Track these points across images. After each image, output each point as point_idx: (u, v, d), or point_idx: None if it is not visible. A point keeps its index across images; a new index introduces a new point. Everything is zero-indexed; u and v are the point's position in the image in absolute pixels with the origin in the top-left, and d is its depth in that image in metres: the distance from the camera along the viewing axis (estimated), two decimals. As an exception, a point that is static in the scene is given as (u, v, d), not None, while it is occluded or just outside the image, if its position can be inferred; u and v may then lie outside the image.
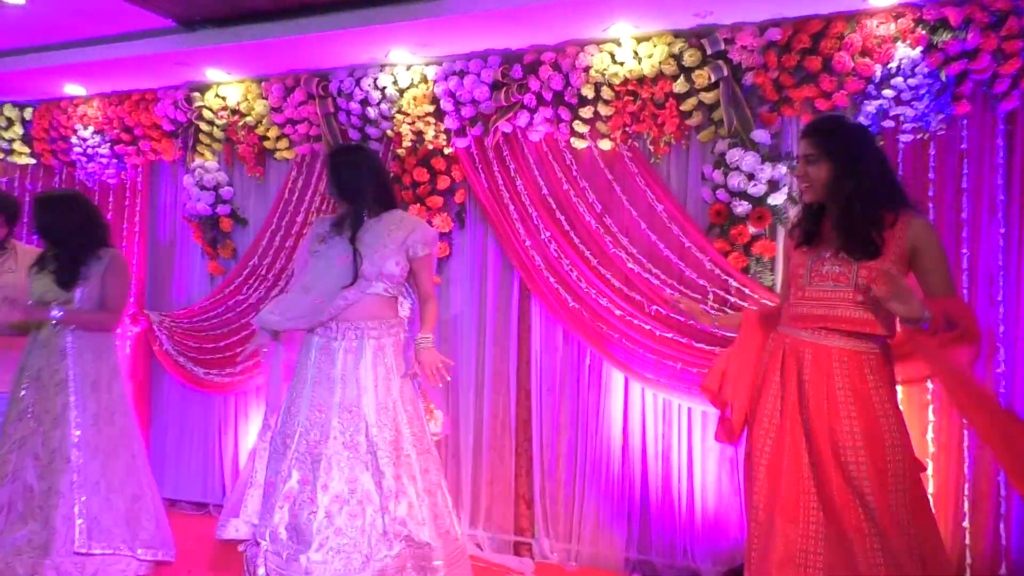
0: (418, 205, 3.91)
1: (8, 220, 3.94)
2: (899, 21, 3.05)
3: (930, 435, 3.13)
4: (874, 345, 2.39)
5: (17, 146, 4.95)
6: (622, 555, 3.55)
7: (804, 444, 2.36)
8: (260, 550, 2.72)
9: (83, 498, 3.24)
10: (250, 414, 4.38)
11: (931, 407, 3.13)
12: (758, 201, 3.30)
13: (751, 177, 3.28)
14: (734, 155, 3.29)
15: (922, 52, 3.03)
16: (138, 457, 3.49)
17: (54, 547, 3.14)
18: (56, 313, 3.31)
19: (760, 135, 3.30)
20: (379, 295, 2.87)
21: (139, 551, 3.35)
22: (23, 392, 3.36)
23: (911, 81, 3.06)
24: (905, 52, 3.05)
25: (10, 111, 4.86)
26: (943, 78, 3.04)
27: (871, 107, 3.14)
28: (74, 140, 4.72)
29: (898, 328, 2.41)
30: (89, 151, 4.70)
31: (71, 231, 3.40)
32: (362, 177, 2.91)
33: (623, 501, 3.58)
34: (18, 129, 4.88)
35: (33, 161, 5.00)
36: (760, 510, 2.42)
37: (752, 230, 3.32)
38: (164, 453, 4.56)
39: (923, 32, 3.02)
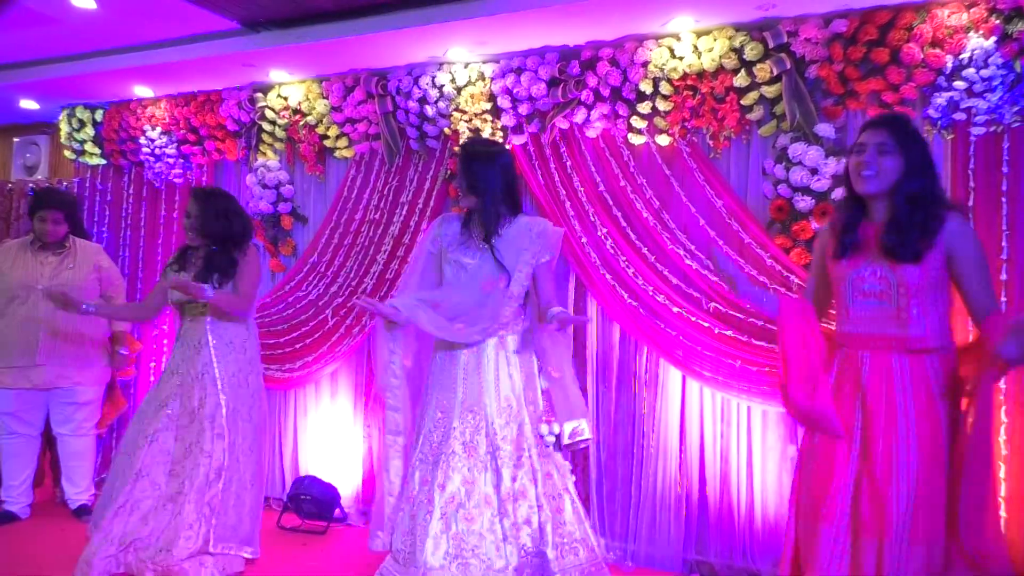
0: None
1: (68, 217, 4.09)
2: (971, 10, 2.96)
3: (1002, 436, 3.02)
4: (933, 355, 2.37)
5: (89, 147, 5.13)
6: (680, 555, 3.50)
7: (857, 451, 2.38)
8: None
9: (214, 495, 3.25)
10: (308, 409, 4.46)
11: (1003, 408, 3.02)
12: (821, 196, 3.24)
13: (814, 172, 3.21)
14: (797, 149, 3.23)
15: (996, 42, 2.93)
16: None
17: (176, 545, 3.12)
18: (208, 292, 3.29)
19: (824, 129, 3.23)
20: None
21: (246, 549, 3.38)
22: (165, 387, 3.43)
23: (984, 72, 2.96)
24: (978, 42, 2.95)
25: (82, 113, 5.04)
26: (1018, 69, 2.94)
27: (941, 99, 3.05)
28: (142, 141, 4.87)
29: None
30: (157, 151, 4.84)
31: (222, 228, 3.45)
32: (497, 174, 2.87)
33: (681, 501, 3.54)
34: (89, 130, 5.06)
35: (104, 162, 5.17)
36: (804, 510, 2.46)
37: (815, 226, 3.25)
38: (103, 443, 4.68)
39: (997, 21, 2.93)
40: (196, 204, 3.47)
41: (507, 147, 3.67)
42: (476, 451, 2.63)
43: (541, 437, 2.75)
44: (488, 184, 2.85)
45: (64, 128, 5.16)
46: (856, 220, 2.50)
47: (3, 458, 4.07)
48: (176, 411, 3.36)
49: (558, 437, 2.81)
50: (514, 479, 2.62)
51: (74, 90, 4.84)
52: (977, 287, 2.35)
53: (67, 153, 5.26)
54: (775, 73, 3.27)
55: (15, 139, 5.74)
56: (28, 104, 5.18)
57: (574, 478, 2.90)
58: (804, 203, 3.25)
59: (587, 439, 2.87)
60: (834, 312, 2.65)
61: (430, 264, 3.03)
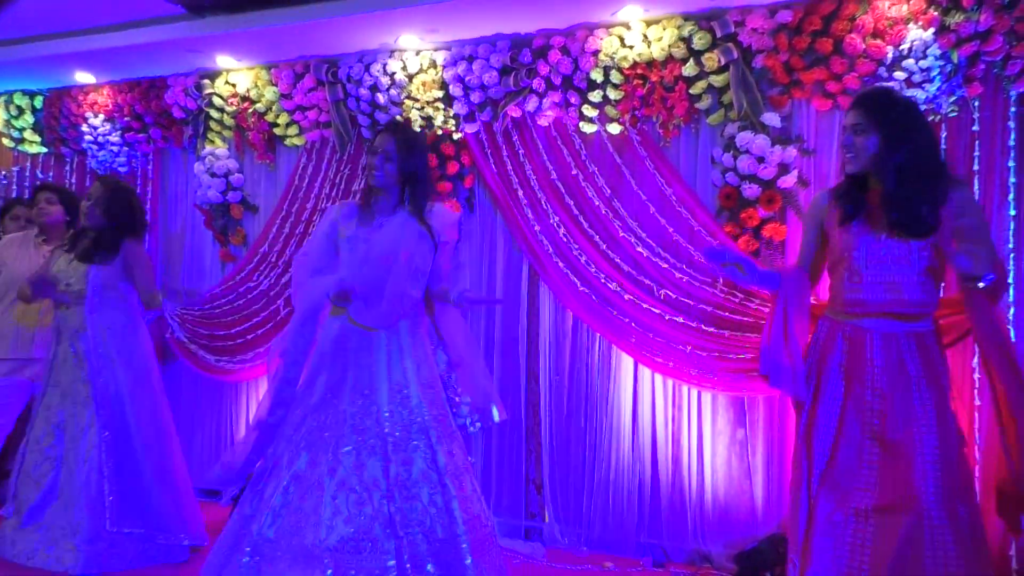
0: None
1: (62, 199, 3.98)
2: (911, 2, 3.03)
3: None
4: (931, 324, 2.45)
5: (28, 135, 4.97)
6: (633, 539, 3.56)
7: (869, 428, 2.40)
8: (246, 536, 2.59)
9: None
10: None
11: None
12: (768, 184, 3.30)
13: (761, 160, 3.27)
14: (744, 138, 3.29)
15: (934, 33, 3.02)
16: None
17: None
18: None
19: (770, 118, 3.29)
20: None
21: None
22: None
23: (923, 63, 3.04)
24: (917, 34, 3.03)
25: (20, 99, 4.88)
26: (955, 60, 3.03)
27: (882, 89, 3.12)
28: (85, 128, 4.74)
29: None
30: (100, 139, 4.72)
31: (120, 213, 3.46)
32: (419, 161, 2.78)
33: (633, 485, 3.59)
34: (29, 118, 4.90)
35: (44, 150, 5.02)
36: (810, 484, 2.47)
37: (762, 213, 3.32)
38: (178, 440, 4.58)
39: (935, 13, 3.01)
40: (101, 187, 3.48)
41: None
42: (365, 434, 2.58)
43: (443, 417, 2.69)
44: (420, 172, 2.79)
45: (2, 115, 4.99)
46: (859, 191, 2.49)
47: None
48: None
49: (468, 418, 2.84)
50: (408, 463, 2.57)
51: (12, 75, 4.68)
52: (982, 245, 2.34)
53: (5, 141, 5.10)
54: (723, 63, 3.31)
55: (-50, 126, 5.54)
56: (-37, 90, 5.00)
57: (472, 459, 2.90)
58: (751, 191, 3.31)
59: (494, 422, 2.86)
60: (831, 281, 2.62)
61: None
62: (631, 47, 3.44)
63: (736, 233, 3.37)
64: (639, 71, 3.45)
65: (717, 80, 3.36)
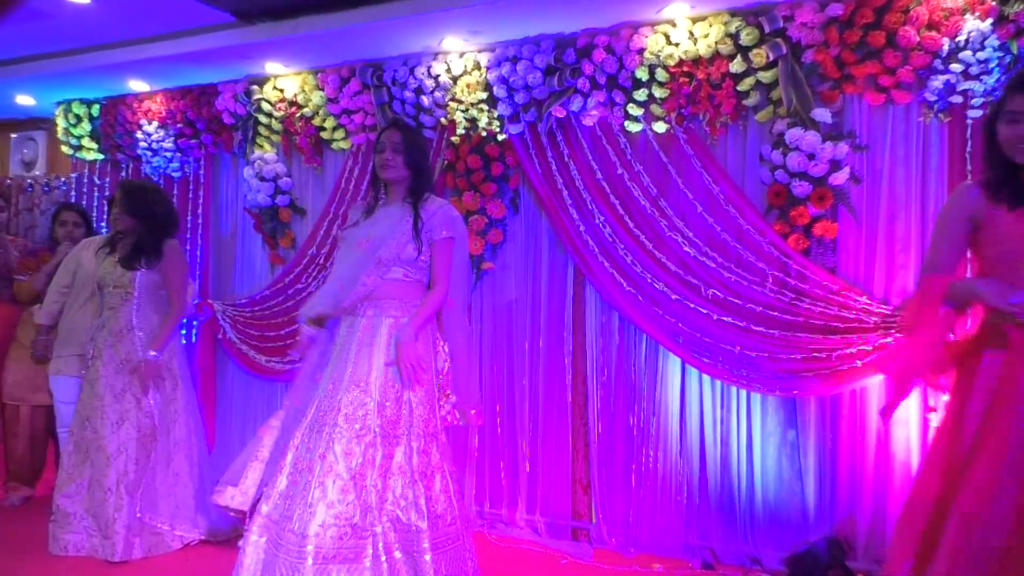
0: (472, 192, 3.93)
1: (84, 219, 4.17)
2: (967, -8, 2.95)
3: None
4: None
5: (86, 142, 5.12)
6: (681, 541, 3.53)
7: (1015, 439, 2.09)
8: (256, 516, 2.70)
9: None
10: (311, 400, 4.47)
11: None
12: (819, 181, 3.23)
13: (811, 157, 3.21)
14: (794, 135, 3.23)
15: (992, 24, 2.93)
16: None
17: None
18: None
19: (821, 114, 3.22)
20: (399, 280, 2.76)
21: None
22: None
23: (980, 55, 2.96)
24: (974, 24, 2.94)
25: (78, 108, 5.03)
26: (1014, 51, 2.94)
27: (938, 82, 3.05)
28: (139, 135, 4.86)
29: None
30: (154, 145, 4.84)
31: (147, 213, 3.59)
32: (425, 152, 2.87)
33: (682, 487, 3.56)
34: (86, 126, 5.05)
35: (101, 156, 5.17)
36: (940, 500, 2.19)
37: (813, 211, 3.25)
38: (228, 438, 4.69)
39: (993, 3, 2.92)
40: (120, 191, 3.63)
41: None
42: (353, 425, 2.65)
43: (428, 416, 2.73)
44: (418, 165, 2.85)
45: (60, 123, 5.15)
46: (1015, 177, 2.19)
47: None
48: None
49: (453, 418, 2.89)
50: (390, 456, 2.64)
51: (70, 85, 4.83)
52: None
53: (64, 148, 5.26)
54: (771, 58, 3.26)
55: (12, 135, 5.74)
56: (24, 100, 5.17)
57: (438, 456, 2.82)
58: (801, 188, 3.25)
59: (464, 423, 2.94)
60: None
61: None
62: (677, 44, 3.40)
63: (786, 232, 3.32)
64: (685, 69, 3.42)
65: (765, 76, 3.31)
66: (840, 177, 3.21)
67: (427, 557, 2.59)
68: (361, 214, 2.90)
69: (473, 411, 2.90)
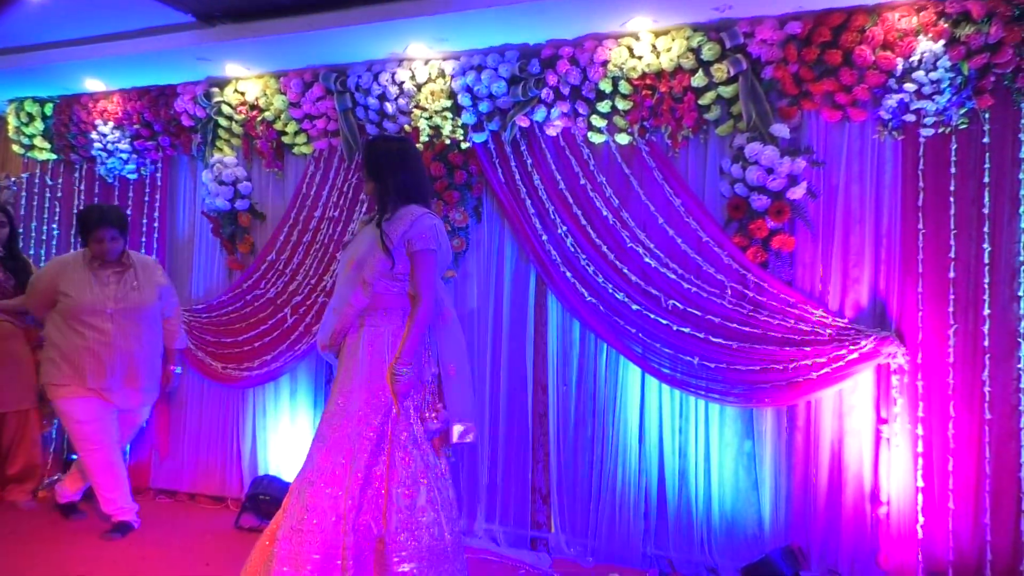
0: (435, 200, 3.92)
1: (123, 232, 3.90)
2: (921, 14, 3.03)
3: (951, 431, 3.11)
4: None
5: (38, 142, 4.99)
6: (639, 550, 3.54)
7: None
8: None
9: None
10: (268, 408, 4.40)
11: (951, 403, 3.11)
12: (777, 195, 3.29)
13: (770, 171, 3.27)
14: (753, 149, 3.28)
15: (944, 46, 3.01)
16: None
17: None
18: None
19: (779, 129, 3.28)
20: (381, 294, 2.76)
21: None
22: None
23: (933, 75, 3.04)
24: (927, 46, 3.02)
25: (31, 107, 4.90)
26: (965, 72, 3.02)
27: (892, 101, 3.12)
28: (94, 136, 4.75)
29: None
30: (109, 146, 4.73)
31: None
32: (388, 164, 2.83)
33: (640, 496, 3.58)
34: (39, 124, 4.92)
35: (54, 156, 5.04)
36: None
37: (771, 224, 3.31)
38: (183, 447, 4.59)
39: (945, 25, 3.00)
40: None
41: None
42: (337, 432, 2.67)
43: (410, 426, 2.72)
44: (381, 176, 2.85)
45: (12, 122, 5.01)
46: None
47: (97, 473, 3.85)
48: None
49: (444, 433, 2.82)
50: (371, 465, 2.65)
51: (22, 83, 4.70)
52: None
53: (15, 148, 5.11)
54: (732, 73, 3.31)
55: (-40, 132, 5.56)
56: (-26, 97, 5.02)
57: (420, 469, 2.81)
58: (760, 202, 3.30)
59: (471, 442, 2.91)
60: None
61: None
62: (640, 57, 3.44)
63: (744, 244, 3.37)
64: (648, 81, 3.45)
65: (726, 91, 3.36)
66: (798, 192, 3.27)
67: (404, 567, 2.57)
68: (354, 231, 2.96)
69: (462, 427, 2.84)
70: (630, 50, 3.46)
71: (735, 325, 3.33)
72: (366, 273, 2.74)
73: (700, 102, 3.40)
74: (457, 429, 2.84)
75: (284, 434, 4.35)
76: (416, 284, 2.75)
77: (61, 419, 3.96)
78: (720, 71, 3.31)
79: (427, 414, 2.79)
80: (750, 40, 3.27)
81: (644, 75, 3.45)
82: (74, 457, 4.65)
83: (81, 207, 4.97)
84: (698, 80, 3.36)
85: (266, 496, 4.05)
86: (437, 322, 2.86)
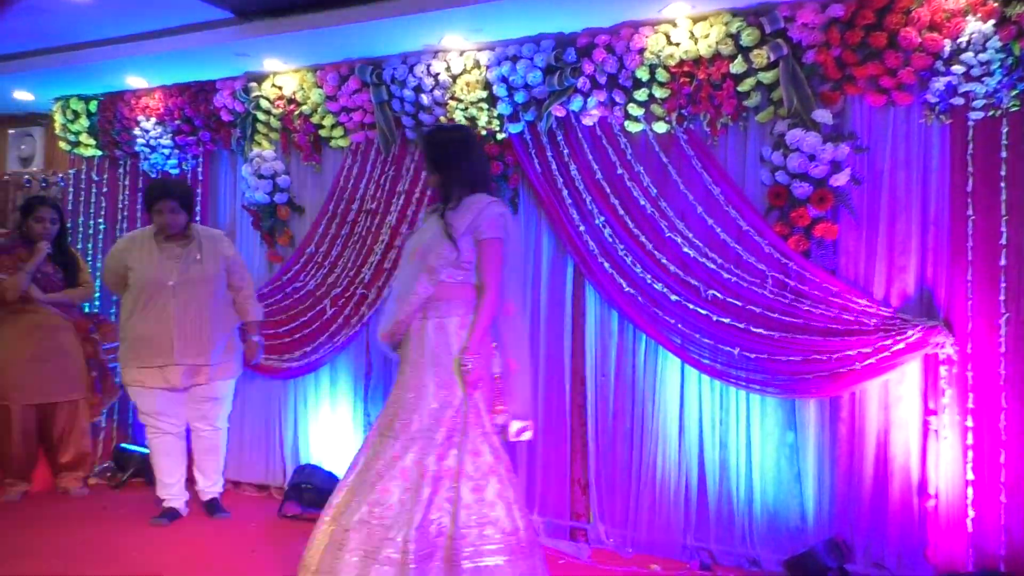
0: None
1: (184, 205, 3.85)
2: (969, -7, 2.93)
3: (1002, 423, 3.03)
4: None
5: (83, 138, 5.10)
6: (679, 541, 3.52)
7: None
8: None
9: None
10: (308, 399, 4.46)
11: (1003, 394, 3.03)
12: (819, 183, 3.22)
13: (812, 158, 3.20)
14: (794, 136, 3.21)
15: (994, 25, 2.91)
16: None
17: None
18: None
19: (821, 115, 3.21)
20: (445, 283, 2.72)
21: None
22: None
23: (982, 56, 2.94)
24: (976, 26, 2.93)
25: (76, 104, 5.01)
26: (1016, 52, 2.92)
27: (939, 84, 3.03)
28: (137, 132, 4.84)
29: None
30: (152, 142, 4.82)
31: None
32: (451, 154, 2.79)
33: (680, 487, 3.55)
34: (84, 122, 5.03)
35: (99, 153, 5.15)
36: None
37: (813, 212, 3.24)
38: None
39: (995, 4, 2.90)
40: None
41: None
42: (408, 428, 2.64)
43: (480, 419, 2.69)
44: (447, 166, 2.82)
45: (58, 119, 5.13)
46: None
47: (157, 457, 3.95)
48: None
49: (505, 428, 2.77)
50: (441, 458, 2.62)
51: (68, 81, 4.81)
52: None
53: (62, 145, 5.24)
54: (772, 59, 3.24)
55: (10, 131, 5.71)
56: (22, 95, 5.15)
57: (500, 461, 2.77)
58: (802, 189, 3.24)
59: (524, 437, 2.85)
60: None
61: None
62: (677, 44, 3.39)
63: (786, 233, 3.31)
64: (686, 69, 3.40)
65: (766, 77, 3.29)
66: (841, 179, 3.20)
67: (473, 563, 2.53)
68: (422, 221, 2.93)
69: (521, 424, 2.78)
70: (667, 37, 3.41)
71: (776, 315, 3.28)
72: (431, 261, 2.70)
73: (739, 89, 3.34)
74: (515, 426, 2.77)
75: (325, 424, 4.41)
76: (482, 274, 2.71)
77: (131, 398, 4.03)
78: (760, 57, 3.25)
79: (497, 407, 2.74)
80: (791, 24, 3.20)
81: (682, 62, 3.40)
82: (123, 446, 4.79)
83: (126, 202, 5.08)
84: (737, 66, 3.30)
85: (308, 485, 4.11)
86: (500, 314, 2.79)
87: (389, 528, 2.53)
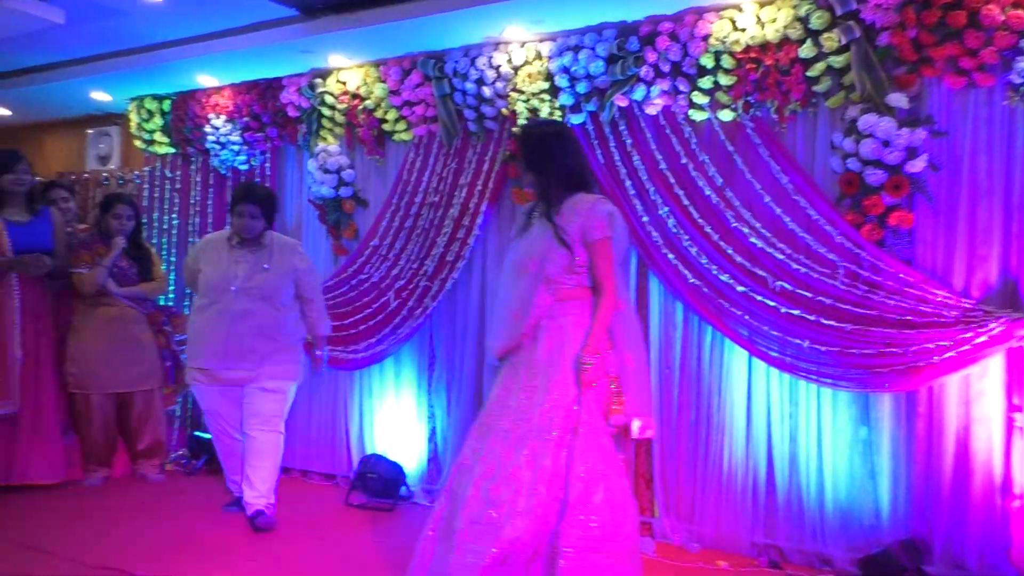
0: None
1: (265, 213, 3.75)
2: (1059, -33, 2.78)
3: None
4: None
5: (157, 136, 5.27)
6: (747, 538, 3.45)
7: None
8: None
9: None
10: (374, 390, 4.53)
11: None
12: (894, 169, 3.11)
13: (886, 144, 3.08)
14: (867, 121, 3.10)
15: (1085, 0, 2.76)
16: None
17: None
18: None
19: (896, 99, 3.09)
20: (563, 286, 2.67)
21: None
22: None
23: (1072, 33, 2.79)
24: (1065, 1, 2.78)
25: (150, 104, 5.19)
26: (1110, 28, 2.76)
27: (1024, 64, 2.89)
28: (208, 129, 4.98)
29: None
30: (222, 139, 4.95)
31: None
32: (549, 153, 2.71)
33: (748, 482, 3.48)
34: (158, 120, 5.20)
35: (172, 150, 5.32)
36: None
37: (887, 200, 3.13)
38: (295, 426, 4.76)
39: (1087, -22, 2.75)
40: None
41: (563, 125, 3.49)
42: (521, 427, 2.60)
43: (594, 419, 2.63)
44: (545, 167, 2.73)
45: (134, 119, 5.31)
46: None
47: (220, 455, 3.96)
48: None
49: (625, 427, 2.72)
50: (555, 458, 2.56)
51: (142, 81, 4.98)
52: None
53: (137, 143, 5.43)
54: (843, 42, 3.14)
55: (88, 131, 5.95)
56: (100, 96, 5.35)
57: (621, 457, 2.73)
58: (875, 177, 3.12)
59: (650, 437, 2.76)
60: None
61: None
62: (743, 30, 3.31)
63: (859, 222, 3.20)
64: (752, 55, 3.32)
65: (837, 61, 3.19)
66: (917, 164, 3.08)
67: (567, 565, 2.47)
68: (523, 222, 2.84)
69: (641, 422, 2.71)
70: (732, 23, 3.33)
71: (848, 307, 3.18)
72: (550, 270, 2.64)
73: (809, 74, 3.25)
74: (636, 424, 2.70)
75: (389, 415, 4.47)
76: (597, 274, 2.65)
77: None
78: (831, 40, 3.15)
79: (613, 406, 2.67)
80: (863, 5, 3.09)
81: (748, 48, 3.32)
82: (197, 433, 4.95)
83: (197, 197, 5.23)
84: (806, 51, 3.21)
85: (373, 474, 4.18)
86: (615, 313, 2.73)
87: (501, 528, 2.50)
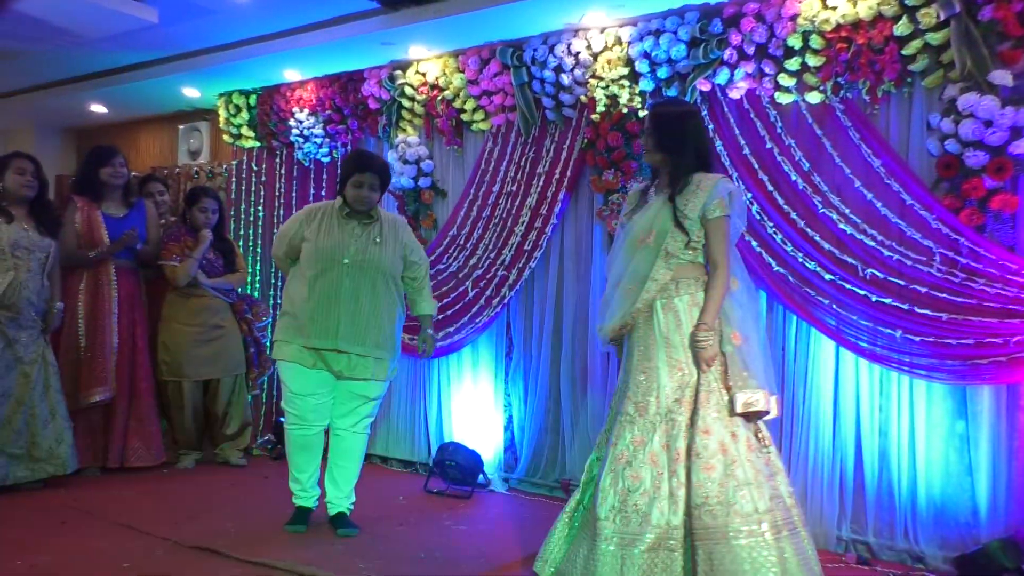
0: (613, 170, 3.87)
1: (383, 184, 3.46)
2: None
3: None
4: None
5: (244, 131, 5.44)
6: (833, 533, 3.35)
7: None
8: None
9: None
10: (452, 378, 4.57)
11: None
12: (997, 151, 2.95)
13: (988, 124, 2.93)
14: (968, 100, 2.96)
15: None
16: None
17: None
18: None
19: (1000, 76, 2.93)
20: (680, 263, 2.65)
21: None
22: None
23: None
24: None
25: (238, 99, 5.35)
26: None
27: None
28: (292, 123, 5.11)
29: None
30: (305, 132, 5.07)
31: None
32: (683, 133, 2.67)
33: (835, 476, 3.37)
34: (245, 115, 5.36)
35: (258, 144, 5.48)
36: None
37: (989, 183, 2.98)
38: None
39: None
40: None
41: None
42: (646, 411, 2.60)
43: (712, 397, 2.57)
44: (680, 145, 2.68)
45: (222, 114, 5.49)
46: None
47: (293, 449, 3.51)
48: None
49: (732, 404, 2.60)
50: (687, 438, 2.55)
51: (230, 77, 5.14)
52: None
53: (225, 137, 5.61)
54: (942, 18, 3.00)
55: (180, 126, 6.17)
56: (190, 92, 5.55)
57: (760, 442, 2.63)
58: (976, 159, 2.98)
59: (762, 411, 2.65)
60: None
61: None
62: (834, 8, 3.20)
63: (957, 206, 3.06)
64: (843, 34, 3.21)
65: (935, 38, 3.05)
66: (1022, 145, 2.92)
67: (699, 546, 2.47)
68: (636, 201, 2.82)
69: (772, 396, 2.63)
70: (823, 1, 3.23)
71: (944, 295, 3.04)
72: (669, 246, 2.63)
73: (904, 52, 3.12)
74: (754, 400, 2.60)
75: (466, 403, 4.50)
76: (712, 251, 2.62)
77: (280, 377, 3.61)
78: (928, 16, 3.01)
79: (728, 383, 2.61)
80: (964, -21, 2.95)
81: (839, 27, 3.21)
82: (283, 419, 5.09)
83: (282, 189, 5.37)
84: (902, 28, 3.08)
85: (452, 462, 4.22)
86: (729, 292, 2.68)
87: (647, 515, 2.52)
